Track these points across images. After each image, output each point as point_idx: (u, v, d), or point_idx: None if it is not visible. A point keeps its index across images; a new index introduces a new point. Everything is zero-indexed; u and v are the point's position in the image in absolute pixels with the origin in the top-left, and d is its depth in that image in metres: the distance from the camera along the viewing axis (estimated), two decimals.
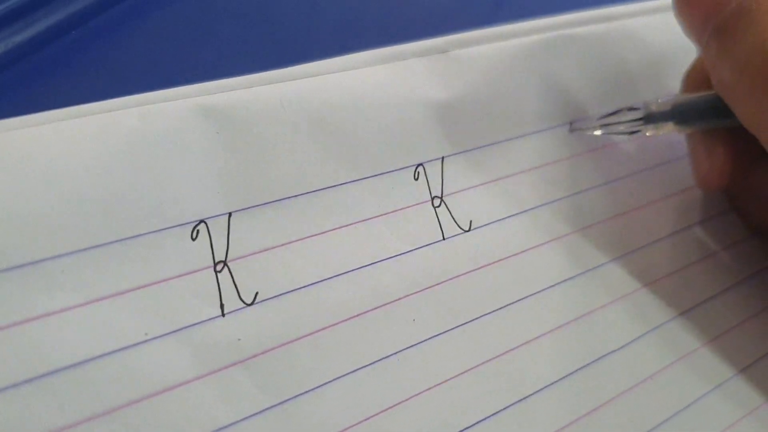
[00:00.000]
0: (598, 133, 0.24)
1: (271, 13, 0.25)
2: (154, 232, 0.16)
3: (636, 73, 0.26)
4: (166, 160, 0.17)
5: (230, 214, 0.17)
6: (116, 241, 0.16)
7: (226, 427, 0.16)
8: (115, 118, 0.17)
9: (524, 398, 0.20)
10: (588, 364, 0.21)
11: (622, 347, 0.22)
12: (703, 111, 0.23)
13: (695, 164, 0.25)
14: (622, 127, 0.24)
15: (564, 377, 0.20)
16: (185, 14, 0.23)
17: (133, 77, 0.21)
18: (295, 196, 0.19)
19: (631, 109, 0.23)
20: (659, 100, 0.23)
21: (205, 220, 0.17)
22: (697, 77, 0.25)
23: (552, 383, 0.20)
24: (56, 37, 0.21)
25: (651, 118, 0.23)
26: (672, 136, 0.26)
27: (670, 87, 0.27)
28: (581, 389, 0.20)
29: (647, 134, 0.23)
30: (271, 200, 0.18)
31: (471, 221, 0.21)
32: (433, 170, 0.21)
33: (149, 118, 0.17)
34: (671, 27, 0.27)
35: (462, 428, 0.19)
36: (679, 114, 0.23)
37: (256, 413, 0.16)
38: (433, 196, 0.21)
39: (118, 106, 0.17)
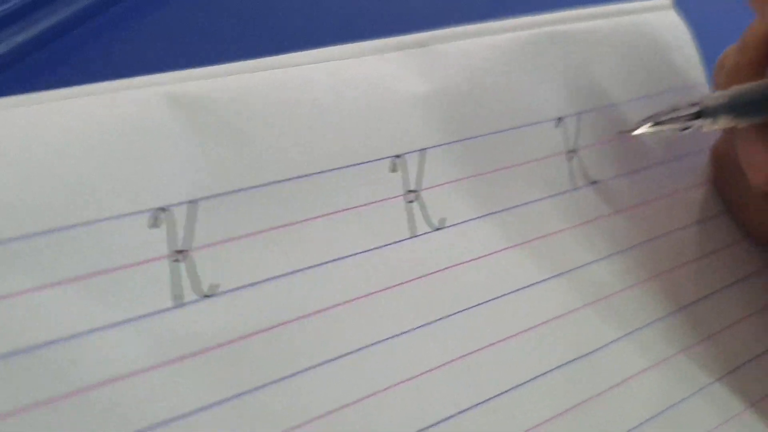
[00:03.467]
0: (649, 130, 0.23)
1: (271, 11, 0.25)
2: (114, 218, 0.16)
3: (618, 72, 0.26)
4: (131, 147, 0.17)
5: (195, 202, 0.17)
6: (73, 225, 0.16)
7: (177, 418, 0.16)
8: (79, 104, 0.16)
9: (488, 400, 0.20)
10: (557, 367, 0.21)
11: (596, 350, 0.22)
12: (763, 100, 0.22)
13: (752, 160, 0.23)
14: (676, 124, 0.23)
15: (528, 381, 0.20)
16: (185, 14, 0.23)
17: (133, 77, 0.21)
18: (264, 185, 0.18)
19: (686, 105, 0.23)
20: (714, 93, 0.22)
21: (169, 207, 0.17)
22: (737, 66, 0.24)
23: (518, 385, 0.20)
24: (57, 37, 0.21)
25: (708, 112, 0.22)
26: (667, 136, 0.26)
27: (654, 85, 0.27)
28: (552, 391, 0.20)
29: (703, 130, 0.22)
30: (238, 189, 0.18)
31: (444, 219, 0.21)
32: (412, 162, 0.21)
33: (115, 104, 0.17)
34: (653, 26, 0.27)
35: (424, 427, 0.18)
36: (737, 105, 0.22)
37: (209, 405, 0.16)
38: (407, 190, 0.21)
39: (84, 93, 0.17)
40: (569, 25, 0.25)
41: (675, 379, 0.22)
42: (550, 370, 0.21)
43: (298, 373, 0.17)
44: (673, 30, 0.28)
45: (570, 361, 0.21)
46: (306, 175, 0.19)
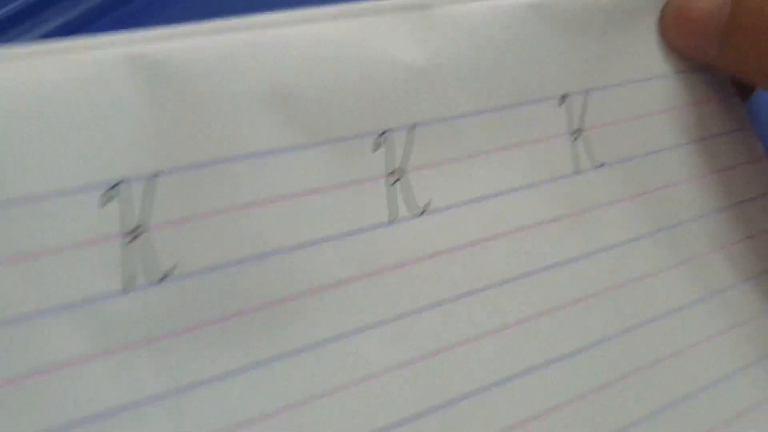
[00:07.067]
0: None
1: None
2: (61, 194, 0.15)
3: (637, 47, 0.23)
4: (82, 114, 0.15)
5: (155, 175, 0.16)
6: (14, 199, 0.14)
7: (124, 407, 0.15)
8: (30, 65, 0.15)
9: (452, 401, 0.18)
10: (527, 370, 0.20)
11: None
12: None
13: None
14: None
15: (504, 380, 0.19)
16: (190, 15, 0.23)
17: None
18: (233, 159, 0.17)
19: None
20: None
21: (123, 182, 0.16)
22: None
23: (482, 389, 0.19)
24: (64, 36, 0.21)
25: None
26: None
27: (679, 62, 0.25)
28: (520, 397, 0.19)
29: None
30: (203, 162, 0.17)
31: (429, 202, 0.19)
32: (399, 140, 0.19)
33: (68, 67, 0.15)
34: None
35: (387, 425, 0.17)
36: None
37: (158, 395, 0.15)
38: (390, 170, 0.19)
39: (37, 53, 0.15)
40: None
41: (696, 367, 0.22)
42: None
43: (246, 370, 0.16)
44: None
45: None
46: (280, 151, 0.17)
